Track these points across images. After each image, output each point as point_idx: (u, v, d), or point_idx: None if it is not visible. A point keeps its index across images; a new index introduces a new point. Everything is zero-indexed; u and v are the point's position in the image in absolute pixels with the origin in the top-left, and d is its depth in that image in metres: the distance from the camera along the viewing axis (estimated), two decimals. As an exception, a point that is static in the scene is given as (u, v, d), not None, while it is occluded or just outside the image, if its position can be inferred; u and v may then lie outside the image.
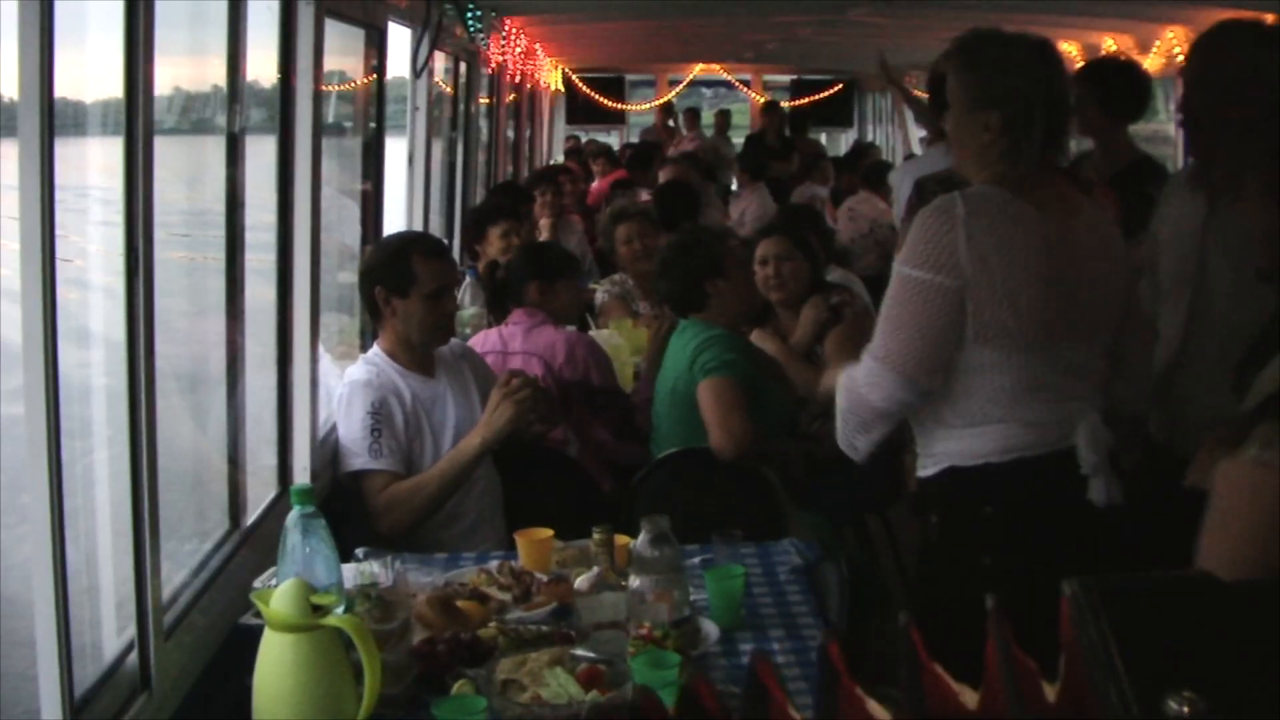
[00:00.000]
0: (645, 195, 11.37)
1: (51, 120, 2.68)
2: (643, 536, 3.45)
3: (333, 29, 5.02)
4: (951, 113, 3.85)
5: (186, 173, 4.61)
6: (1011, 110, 3.70)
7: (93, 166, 3.53)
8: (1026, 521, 3.66)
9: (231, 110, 4.22)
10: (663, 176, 11.85)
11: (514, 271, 6.18)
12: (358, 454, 4.65)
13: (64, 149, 2.76)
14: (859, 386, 3.72)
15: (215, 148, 4.26)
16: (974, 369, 3.64)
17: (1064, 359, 3.70)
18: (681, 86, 22.48)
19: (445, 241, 7.96)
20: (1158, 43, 9.53)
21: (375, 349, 4.88)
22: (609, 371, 5.99)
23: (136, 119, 3.14)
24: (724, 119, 20.52)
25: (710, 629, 3.54)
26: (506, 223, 7.70)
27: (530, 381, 4.71)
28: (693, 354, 5.13)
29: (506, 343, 5.80)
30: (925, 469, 3.81)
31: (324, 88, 4.93)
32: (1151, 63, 9.25)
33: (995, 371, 3.63)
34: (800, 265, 6.27)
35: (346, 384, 4.80)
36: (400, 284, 4.77)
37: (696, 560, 3.98)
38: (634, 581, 3.42)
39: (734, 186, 14.60)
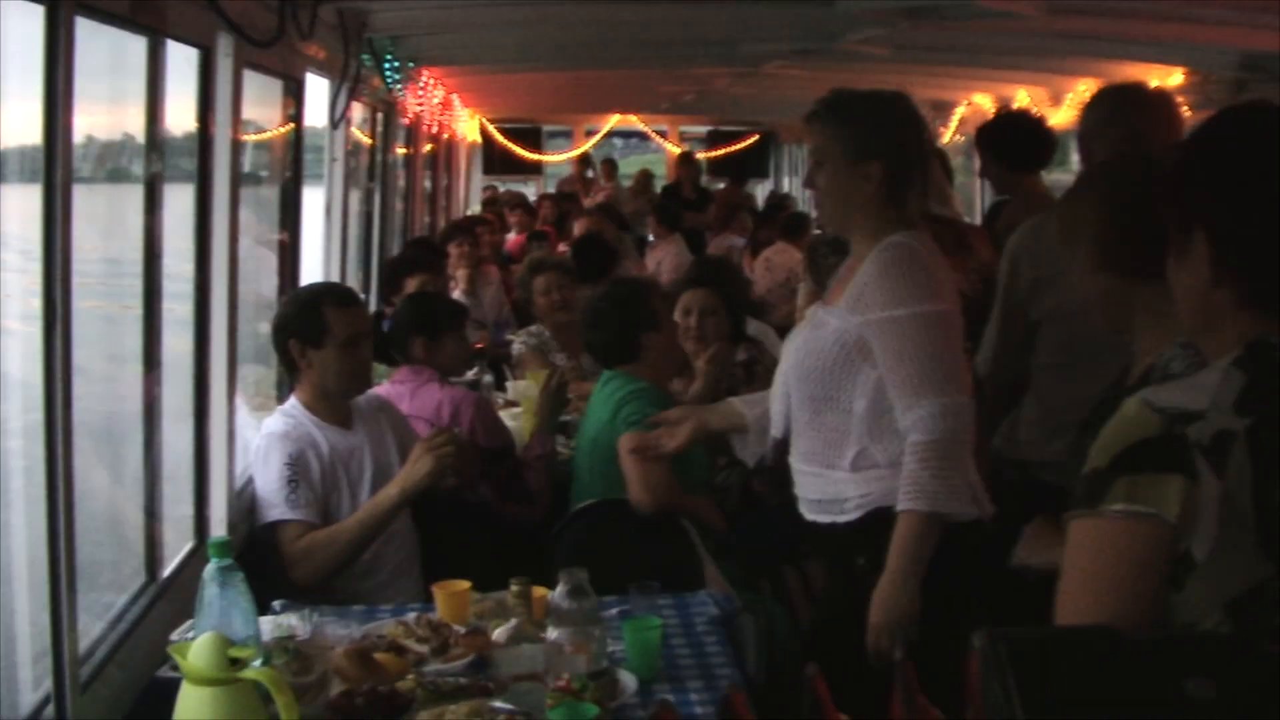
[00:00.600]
0: (562, 246, 11.38)
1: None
2: (560, 588, 3.47)
3: (251, 77, 5.02)
4: (826, 169, 3.91)
5: (102, 222, 4.56)
6: (891, 158, 3.80)
7: (9, 214, 3.49)
8: (943, 547, 3.74)
9: (149, 159, 4.20)
10: (578, 228, 11.85)
11: (399, 326, 6.07)
12: (275, 504, 4.62)
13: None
14: (959, 435, 3.72)
15: (132, 196, 4.23)
16: None
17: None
18: (598, 137, 22.48)
19: (362, 293, 7.95)
20: (1069, 95, 9.66)
21: (292, 401, 4.86)
22: (496, 431, 5.93)
23: (55, 167, 3.13)
24: (646, 179, 19.94)
25: (628, 680, 3.55)
26: (423, 275, 7.70)
27: (453, 438, 4.70)
28: (616, 406, 5.14)
29: (393, 404, 5.70)
30: (846, 514, 3.86)
31: (242, 137, 4.92)
32: (1064, 115, 9.37)
33: None
34: (723, 320, 6.31)
35: (264, 436, 4.78)
36: (313, 335, 4.77)
37: (614, 611, 3.98)
38: (552, 633, 3.43)
39: (650, 237, 14.57)
